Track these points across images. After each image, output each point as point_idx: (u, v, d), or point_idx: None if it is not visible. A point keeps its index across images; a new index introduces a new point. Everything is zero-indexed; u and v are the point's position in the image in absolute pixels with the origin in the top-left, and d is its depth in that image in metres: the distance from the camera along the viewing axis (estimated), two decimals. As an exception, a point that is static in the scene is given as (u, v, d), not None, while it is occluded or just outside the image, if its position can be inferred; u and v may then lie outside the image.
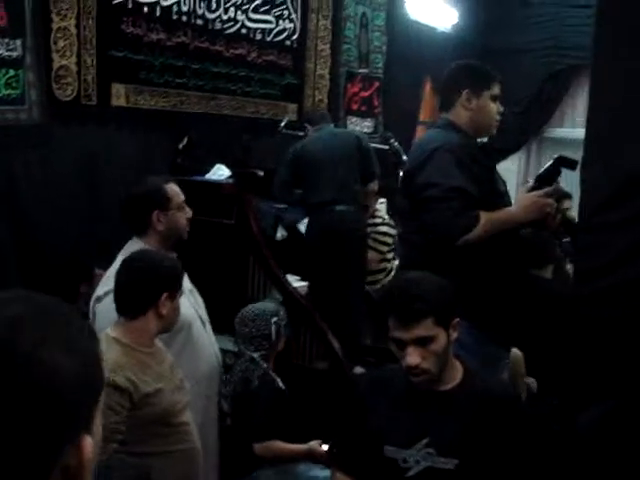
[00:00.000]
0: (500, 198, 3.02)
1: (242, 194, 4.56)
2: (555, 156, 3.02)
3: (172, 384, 2.59)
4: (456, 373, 2.20)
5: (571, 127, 9.02)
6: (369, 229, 5.28)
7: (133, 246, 2.94)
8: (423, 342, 2.07)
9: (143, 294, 2.52)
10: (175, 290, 2.60)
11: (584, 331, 2.37)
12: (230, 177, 4.75)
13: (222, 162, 4.90)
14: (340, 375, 4.32)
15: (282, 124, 5.41)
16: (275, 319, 3.37)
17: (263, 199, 4.97)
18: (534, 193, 2.90)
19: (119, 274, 2.55)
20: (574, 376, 2.49)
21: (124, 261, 2.60)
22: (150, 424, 2.48)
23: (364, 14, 6.93)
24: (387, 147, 5.07)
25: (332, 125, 5.21)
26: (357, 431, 2.27)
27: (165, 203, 3.01)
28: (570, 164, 3.02)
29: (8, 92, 3.79)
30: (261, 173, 4.79)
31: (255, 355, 3.29)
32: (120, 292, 2.54)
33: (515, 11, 9.01)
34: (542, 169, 3.02)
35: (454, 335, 2.14)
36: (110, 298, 2.62)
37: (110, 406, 2.31)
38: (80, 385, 0.97)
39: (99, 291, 2.88)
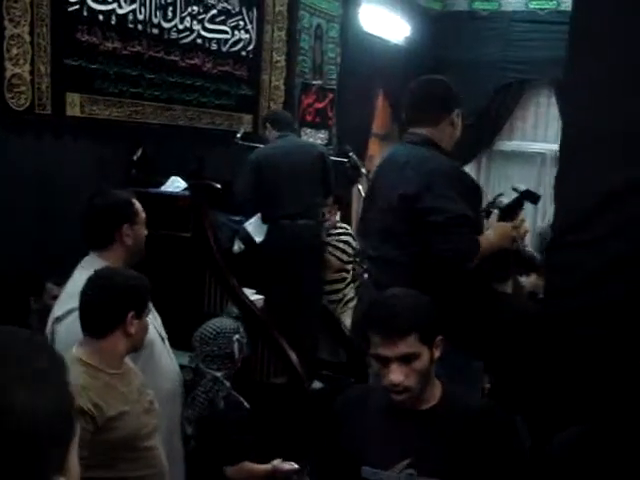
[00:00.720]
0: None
1: (198, 206, 4.49)
2: (521, 189, 3.07)
3: (140, 406, 2.51)
4: (436, 391, 2.16)
5: (520, 140, 9.14)
6: (330, 238, 5.29)
7: (94, 261, 2.83)
8: (407, 359, 2.04)
9: (110, 313, 2.43)
10: (143, 308, 2.52)
11: (554, 349, 2.36)
12: (186, 189, 4.67)
13: (177, 174, 4.82)
14: (299, 390, 4.27)
15: (238, 135, 5.35)
16: (237, 336, 3.30)
17: (219, 211, 4.90)
18: (509, 224, 2.97)
19: (85, 292, 2.46)
20: (542, 395, 2.48)
21: (90, 278, 2.50)
22: (114, 448, 2.39)
23: (319, 26, 6.93)
24: (346, 160, 5.04)
25: (294, 135, 5.10)
26: (332, 451, 2.22)
27: (134, 217, 2.93)
28: (534, 198, 3.08)
29: (-41, 101, 3.67)
30: (218, 185, 4.73)
31: (218, 375, 3.21)
32: (86, 311, 2.45)
33: (465, 25, 9.13)
34: (506, 201, 3.08)
35: (437, 354, 2.11)
36: (72, 318, 2.55)
37: None
38: (53, 425, 0.91)
39: (58, 311, 2.76)
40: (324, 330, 5.28)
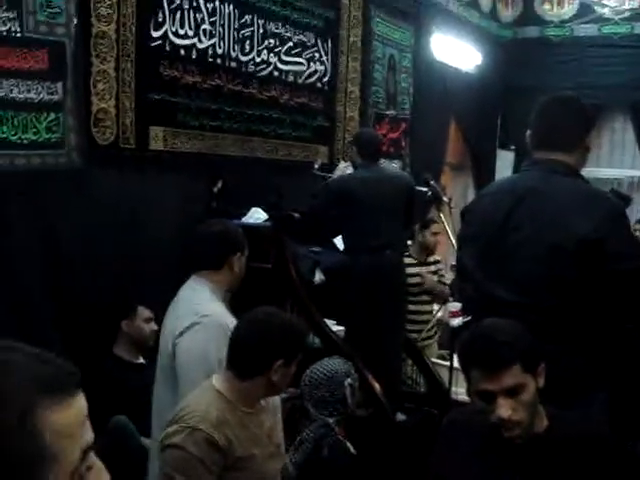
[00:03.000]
0: None
1: (279, 237, 4.46)
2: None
3: (267, 450, 2.44)
4: (542, 419, 2.06)
5: (595, 166, 8.93)
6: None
7: (201, 282, 2.96)
8: (513, 392, 1.94)
9: (259, 358, 2.37)
10: (294, 357, 2.43)
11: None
12: (267, 220, 4.66)
13: (256, 205, 4.81)
14: (385, 422, 4.18)
15: (316, 166, 5.33)
16: (348, 380, 3.19)
17: (300, 242, 4.86)
18: None
19: (239, 329, 2.43)
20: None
21: (247, 317, 2.47)
22: None
23: (392, 56, 6.91)
24: (426, 189, 4.96)
25: (378, 165, 5.00)
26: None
27: (243, 248, 3.10)
28: (624, 199, 2.90)
29: (48, 136, 3.70)
30: (297, 215, 4.70)
31: (330, 420, 3.12)
32: (236, 349, 2.40)
33: (536, 52, 9.04)
34: None
35: (541, 382, 2.02)
36: (192, 331, 2.75)
37: (205, 463, 2.20)
38: None
39: (179, 327, 2.84)
40: (405, 361, 5.20)
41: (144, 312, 3.86)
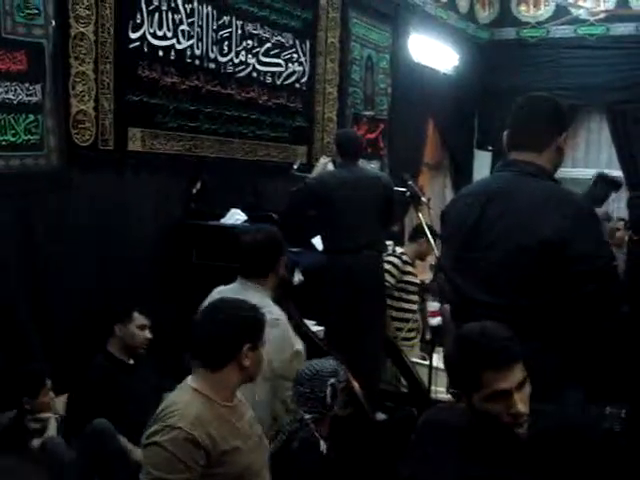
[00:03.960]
0: None
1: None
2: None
3: (251, 441, 2.47)
4: None
5: (571, 167, 9.01)
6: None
7: (246, 288, 3.16)
8: (521, 387, 1.99)
9: (225, 345, 2.41)
10: (258, 340, 2.48)
11: None
12: (246, 221, 4.68)
13: (235, 206, 4.84)
14: (364, 421, 4.20)
15: (295, 167, 5.35)
16: (332, 380, 3.20)
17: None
18: None
19: (199, 324, 2.47)
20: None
21: (203, 311, 2.52)
22: None
23: (369, 57, 6.96)
24: (404, 189, 4.99)
25: (357, 165, 4.99)
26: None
27: (285, 251, 3.35)
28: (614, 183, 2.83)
29: (27, 138, 3.71)
30: (276, 216, 4.72)
31: (307, 417, 3.15)
32: (200, 343, 2.44)
33: (513, 53, 9.13)
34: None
35: None
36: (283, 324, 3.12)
37: (184, 461, 2.22)
38: None
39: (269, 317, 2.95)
40: (385, 360, 5.23)
41: (139, 319, 3.82)
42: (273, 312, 3.08)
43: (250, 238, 3.30)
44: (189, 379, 2.45)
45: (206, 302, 3.09)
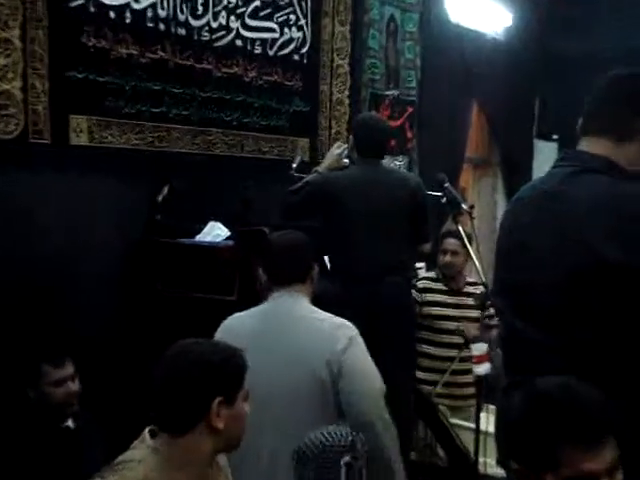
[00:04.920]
0: None
1: (246, 261, 4.44)
2: None
3: None
4: None
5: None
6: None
7: (295, 297, 3.40)
8: (613, 473, 1.95)
9: (190, 402, 2.34)
10: (235, 390, 2.41)
11: None
12: (229, 238, 4.65)
13: (214, 218, 4.83)
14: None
15: (294, 165, 5.31)
16: (346, 459, 3.11)
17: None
18: None
19: (157, 376, 2.39)
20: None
21: (161, 359, 2.42)
22: None
23: (392, 17, 6.94)
24: (439, 194, 4.94)
25: (382, 162, 4.95)
26: None
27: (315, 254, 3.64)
28: None
29: None
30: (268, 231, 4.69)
31: None
32: (161, 401, 2.38)
33: (587, 6, 8.98)
34: None
35: None
36: (354, 347, 3.24)
37: None
38: None
39: (338, 345, 3.24)
40: (417, 423, 5.18)
41: (52, 372, 3.75)
42: (338, 323, 3.32)
43: (284, 238, 3.55)
44: (147, 437, 2.37)
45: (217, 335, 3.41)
